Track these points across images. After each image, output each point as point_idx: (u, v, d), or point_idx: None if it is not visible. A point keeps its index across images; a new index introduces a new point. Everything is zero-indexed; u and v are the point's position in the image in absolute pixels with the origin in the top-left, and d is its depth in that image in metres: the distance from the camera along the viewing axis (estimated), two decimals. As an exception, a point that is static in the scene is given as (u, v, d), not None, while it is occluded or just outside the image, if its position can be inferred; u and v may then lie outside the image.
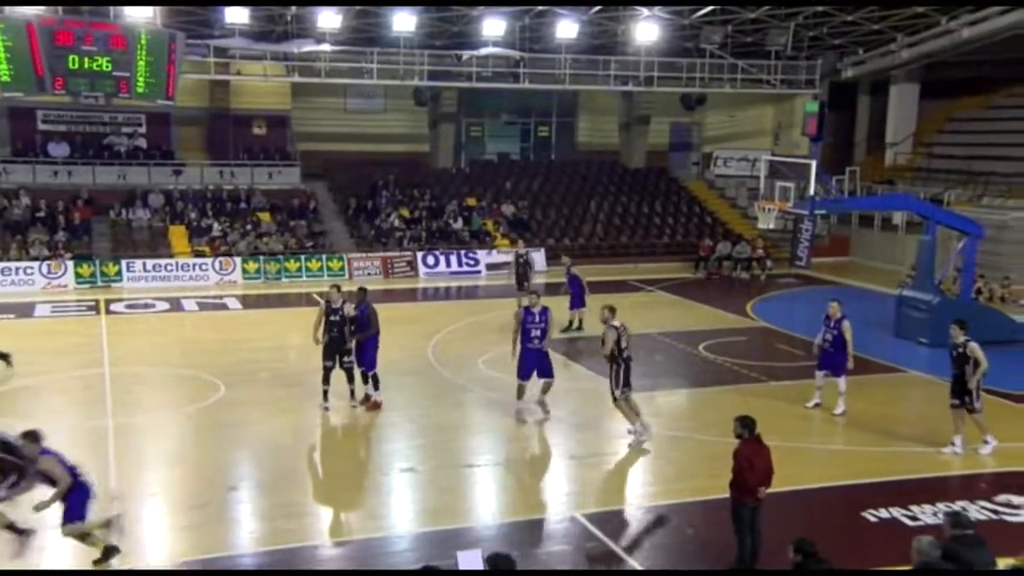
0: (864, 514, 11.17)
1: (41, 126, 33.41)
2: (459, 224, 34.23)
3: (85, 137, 33.82)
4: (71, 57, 27.07)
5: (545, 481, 12.99)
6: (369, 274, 30.36)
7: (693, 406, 16.60)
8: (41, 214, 30.28)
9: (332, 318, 15.05)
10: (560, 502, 12.04)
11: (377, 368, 15.28)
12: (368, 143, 37.79)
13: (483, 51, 32.63)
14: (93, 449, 13.01)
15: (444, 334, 21.52)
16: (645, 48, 34.17)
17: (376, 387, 15.30)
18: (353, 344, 15.12)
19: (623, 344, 13.47)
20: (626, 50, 35.06)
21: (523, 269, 23.55)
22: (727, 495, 9.70)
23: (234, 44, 31.09)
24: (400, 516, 11.51)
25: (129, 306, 25.07)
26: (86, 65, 27.29)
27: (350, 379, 15.24)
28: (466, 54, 33.06)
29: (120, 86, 28.09)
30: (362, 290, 15.76)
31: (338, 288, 15.56)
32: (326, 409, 15.07)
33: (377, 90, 36.58)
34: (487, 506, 12.00)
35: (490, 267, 31.34)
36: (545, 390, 14.83)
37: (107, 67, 27.55)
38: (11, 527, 9.47)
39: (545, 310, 14.77)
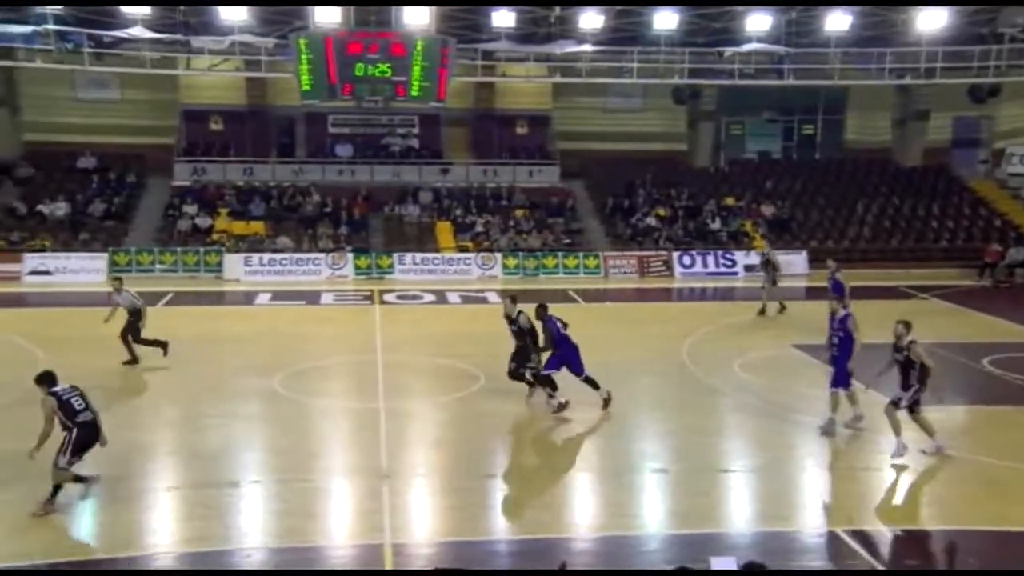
0: None
1: (331, 129, 36.55)
2: (716, 224, 33.56)
3: (366, 138, 36.62)
4: (358, 65, 29.36)
5: (803, 491, 12.43)
6: (624, 272, 30.52)
7: (973, 424, 15.23)
8: (328, 210, 33.12)
9: (512, 328, 15.23)
10: (818, 515, 11.51)
11: (555, 372, 15.00)
12: (626, 142, 37.94)
13: (746, 47, 31.73)
14: (367, 429, 14.07)
15: (699, 335, 21.17)
16: (927, 36, 31.62)
17: (554, 390, 15.01)
18: (541, 356, 15.07)
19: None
20: (904, 40, 32.66)
21: (766, 269, 23.11)
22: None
23: (500, 47, 32.30)
24: (651, 516, 11.48)
25: (400, 297, 26.82)
26: (369, 72, 29.50)
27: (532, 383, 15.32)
28: (728, 51, 32.29)
29: (397, 90, 30.10)
30: (541, 306, 15.34)
31: (513, 299, 15.56)
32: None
33: (636, 89, 36.59)
34: (740, 512, 11.69)
35: (748, 268, 30.48)
36: (834, 405, 13.89)
37: (387, 73, 29.65)
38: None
39: (846, 317, 14.16)
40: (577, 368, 14.90)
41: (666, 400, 16.29)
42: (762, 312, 23.36)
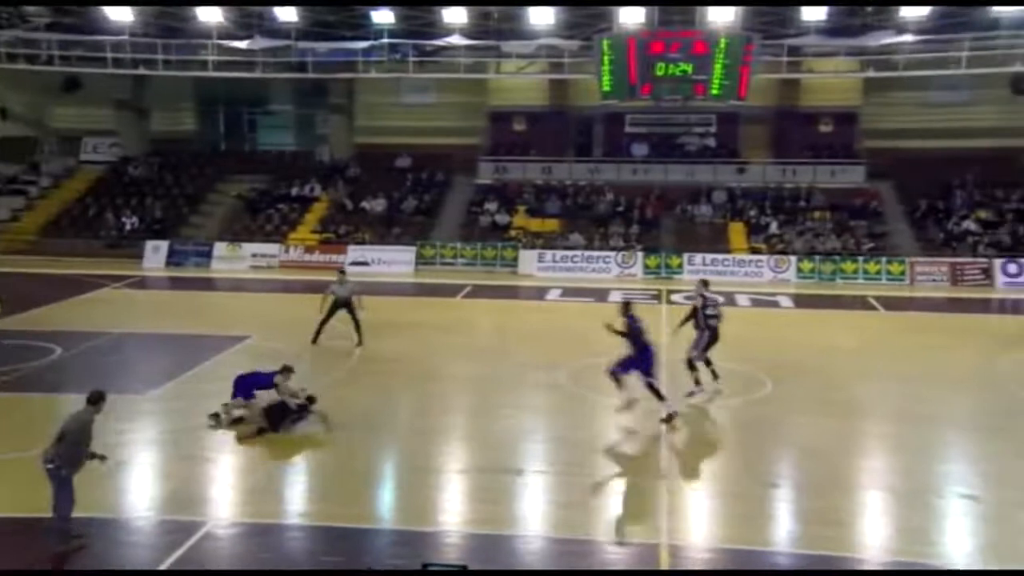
0: None
1: (628, 128, 36.92)
2: (1054, 229, 29.92)
3: (662, 137, 36.56)
4: (659, 64, 29.44)
5: None
6: (934, 280, 28.14)
7: None
8: (620, 208, 33.50)
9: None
10: None
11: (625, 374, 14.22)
12: (946, 139, 34.71)
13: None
14: (647, 428, 14.05)
15: None
16: None
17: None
18: None
19: None
20: None
21: None
22: None
23: (809, 42, 30.89)
24: (956, 547, 10.45)
25: (688, 297, 26.46)
26: (670, 71, 29.47)
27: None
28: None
29: (697, 88, 29.80)
30: (625, 304, 14.72)
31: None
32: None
33: (964, 80, 33.30)
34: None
35: (1090, 281, 26.89)
36: None
37: (687, 71, 29.43)
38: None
39: None
40: (647, 369, 14.06)
41: (982, 421, 14.75)
42: None
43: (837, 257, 29.74)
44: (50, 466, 9.59)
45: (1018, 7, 27.86)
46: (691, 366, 15.59)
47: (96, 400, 10.00)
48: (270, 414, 13.68)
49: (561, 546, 10.23)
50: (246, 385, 14.26)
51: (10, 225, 34.79)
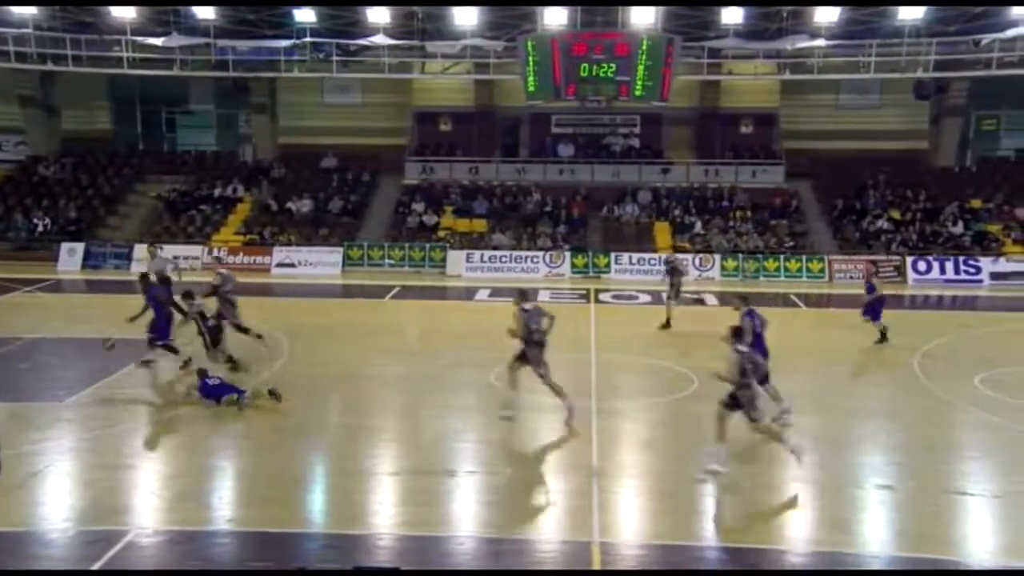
0: None
1: (554, 129, 37.17)
2: (959, 228, 31.10)
3: (587, 138, 36.91)
4: (582, 65, 29.68)
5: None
6: (851, 278, 28.99)
7: None
8: (548, 209, 33.70)
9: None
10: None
11: None
12: (859, 140, 35.98)
13: (1011, 32, 28.92)
14: (579, 427, 14.16)
15: (933, 346, 19.72)
16: None
17: None
18: None
19: None
20: None
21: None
22: None
23: (728, 44, 31.56)
24: (873, 535, 10.80)
25: (615, 296, 26.81)
26: (593, 72, 29.75)
27: None
28: (987, 38, 29.65)
29: (620, 89, 30.15)
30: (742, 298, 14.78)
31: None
32: None
33: (873, 84, 34.59)
34: (981, 541, 10.75)
35: (995, 276, 28.03)
36: None
37: (610, 73, 29.75)
38: None
39: None
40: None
41: (896, 414, 15.28)
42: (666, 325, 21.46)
43: (760, 255, 30.42)
44: None
45: (916, 16, 28.90)
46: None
47: None
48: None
49: (494, 546, 10.25)
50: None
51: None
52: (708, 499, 11.84)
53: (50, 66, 33.00)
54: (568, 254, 30.82)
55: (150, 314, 16.43)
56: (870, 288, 19.83)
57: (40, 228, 32.71)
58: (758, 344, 13.92)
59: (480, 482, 12.13)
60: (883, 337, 19.44)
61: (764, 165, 35.30)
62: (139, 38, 31.78)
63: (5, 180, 35.93)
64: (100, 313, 22.05)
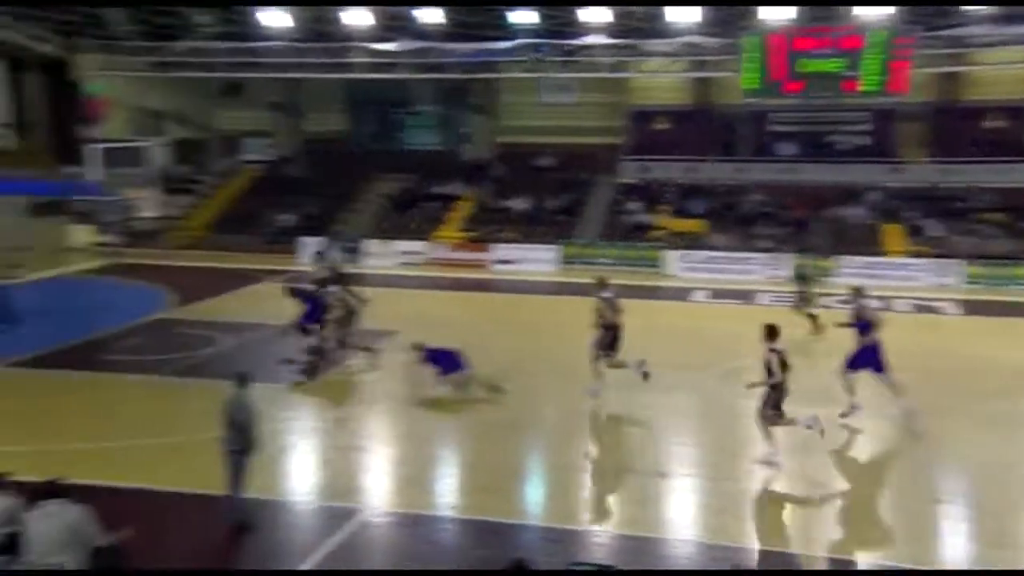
0: None
1: (772, 127, 35.93)
2: None
3: (809, 136, 35.39)
4: (805, 61, 28.55)
5: None
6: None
7: None
8: (767, 210, 32.65)
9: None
10: None
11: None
12: None
13: None
14: (798, 436, 13.63)
15: None
16: None
17: None
18: None
19: None
20: None
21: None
22: None
23: (973, 32, 29.25)
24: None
25: (842, 302, 25.51)
26: (817, 67, 28.54)
27: None
28: None
29: (847, 85, 28.72)
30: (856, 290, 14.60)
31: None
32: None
33: None
34: None
35: None
36: None
37: (836, 67, 28.41)
38: None
39: None
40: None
41: None
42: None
43: (1008, 261, 28.00)
44: (234, 451, 10.13)
45: None
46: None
47: (245, 381, 10.40)
48: None
49: (711, 552, 10.08)
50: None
51: (181, 222, 37.05)
52: (945, 521, 11.06)
53: (296, 74, 35.71)
54: (789, 257, 29.68)
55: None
56: None
57: (284, 223, 35.43)
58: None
59: (697, 486, 11.97)
60: None
61: (1015, 163, 32.39)
62: (370, 44, 33.76)
63: (257, 179, 39.24)
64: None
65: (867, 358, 14.03)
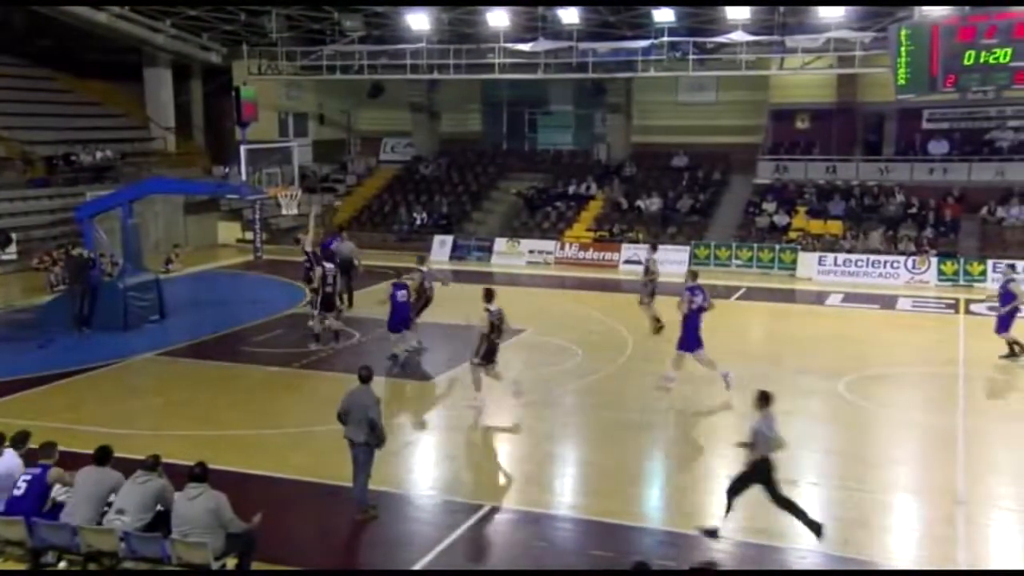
0: None
1: (925, 125, 34.16)
2: None
3: (965, 134, 33.47)
4: (967, 53, 26.85)
5: None
6: None
7: None
8: (912, 210, 31.14)
9: None
10: None
11: None
12: None
13: None
14: (940, 447, 13.00)
15: None
16: None
17: None
18: None
19: None
20: None
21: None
22: None
23: None
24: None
25: (991, 308, 24.13)
26: (981, 59, 26.76)
27: None
28: None
29: (1016, 77, 26.89)
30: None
31: None
32: None
33: None
34: None
35: None
36: None
37: (1004, 59, 26.66)
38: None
39: None
40: None
41: None
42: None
43: None
44: (360, 443, 10.46)
45: None
46: None
47: (369, 378, 10.75)
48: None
49: (836, 564, 9.73)
50: None
51: (323, 219, 38.48)
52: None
53: (435, 75, 36.49)
54: (935, 260, 28.21)
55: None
56: None
57: (418, 221, 36.26)
58: None
59: (826, 495, 11.57)
60: None
61: None
62: (509, 45, 34.08)
63: (394, 178, 40.33)
64: (460, 303, 24.01)
65: None
